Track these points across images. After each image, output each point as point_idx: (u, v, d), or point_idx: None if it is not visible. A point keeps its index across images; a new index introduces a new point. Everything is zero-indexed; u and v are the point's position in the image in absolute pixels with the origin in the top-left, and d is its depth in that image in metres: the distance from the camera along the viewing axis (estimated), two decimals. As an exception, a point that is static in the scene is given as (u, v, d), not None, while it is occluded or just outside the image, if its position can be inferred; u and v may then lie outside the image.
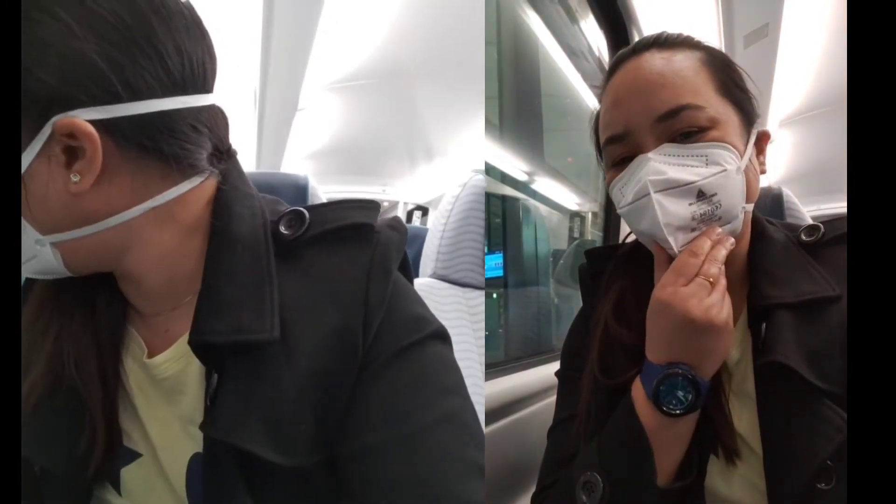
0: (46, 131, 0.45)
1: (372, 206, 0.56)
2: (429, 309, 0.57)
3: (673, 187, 0.58)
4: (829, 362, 0.56)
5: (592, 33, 1.81)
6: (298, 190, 1.03)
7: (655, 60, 0.62)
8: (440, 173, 4.82)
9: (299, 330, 0.49)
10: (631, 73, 0.63)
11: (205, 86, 0.51)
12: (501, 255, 1.50)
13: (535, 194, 1.74)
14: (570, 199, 2.00)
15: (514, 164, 1.62)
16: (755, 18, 2.41)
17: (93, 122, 0.45)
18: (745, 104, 0.64)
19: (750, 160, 0.63)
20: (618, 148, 0.63)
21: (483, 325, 1.06)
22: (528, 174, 1.69)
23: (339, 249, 0.52)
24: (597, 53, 1.82)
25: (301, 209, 0.54)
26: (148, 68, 0.46)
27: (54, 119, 0.44)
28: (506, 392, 1.00)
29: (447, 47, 2.70)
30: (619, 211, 0.64)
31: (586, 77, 1.84)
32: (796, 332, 0.58)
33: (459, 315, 1.02)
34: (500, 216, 1.53)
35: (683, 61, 0.62)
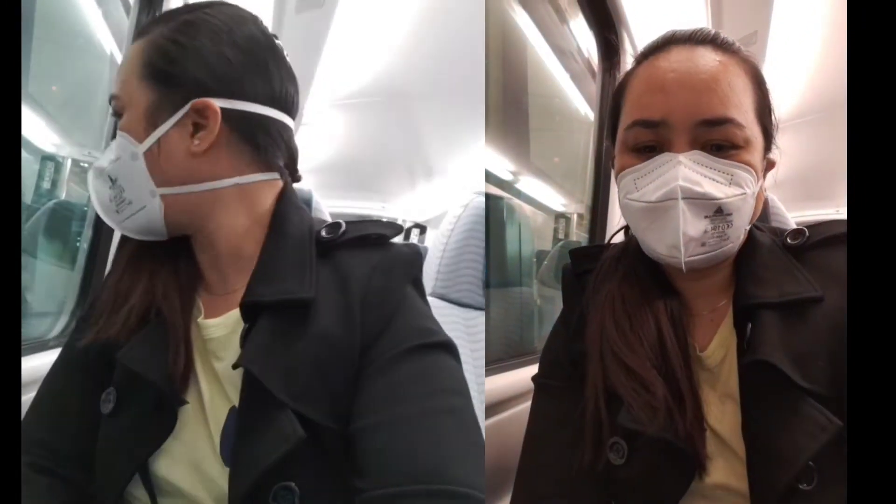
0: (185, 108, 0.61)
1: (395, 227, 0.69)
2: (441, 327, 0.64)
3: (699, 198, 0.58)
4: (812, 362, 0.57)
5: (582, 34, 1.80)
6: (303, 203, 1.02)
7: (711, 62, 0.60)
8: (439, 192, 4.86)
9: (320, 306, 0.61)
10: (684, 63, 0.61)
11: (291, 111, 0.69)
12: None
13: (519, 194, 1.73)
14: (555, 199, 1.99)
15: (498, 163, 1.60)
16: (744, 26, 2.43)
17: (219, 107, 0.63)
18: (770, 131, 0.65)
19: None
20: (645, 134, 0.61)
21: (483, 345, 1.05)
22: (513, 173, 1.68)
23: (358, 252, 0.65)
24: (586, 55, 1.81)
25: (340, 221, 0.68)
26: (259, 84, 0.65)
27: (194, 100, 0.61)
28: (487, 394, 0.99)
29: (449, 67, 2.69)
30: (625, 200, 0.62)
31: (574, 77, 1.83)
32: (780, 332, 0.59)
33: (457, 335, 0.99)
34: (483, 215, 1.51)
35: (737, 72, 0.61)
